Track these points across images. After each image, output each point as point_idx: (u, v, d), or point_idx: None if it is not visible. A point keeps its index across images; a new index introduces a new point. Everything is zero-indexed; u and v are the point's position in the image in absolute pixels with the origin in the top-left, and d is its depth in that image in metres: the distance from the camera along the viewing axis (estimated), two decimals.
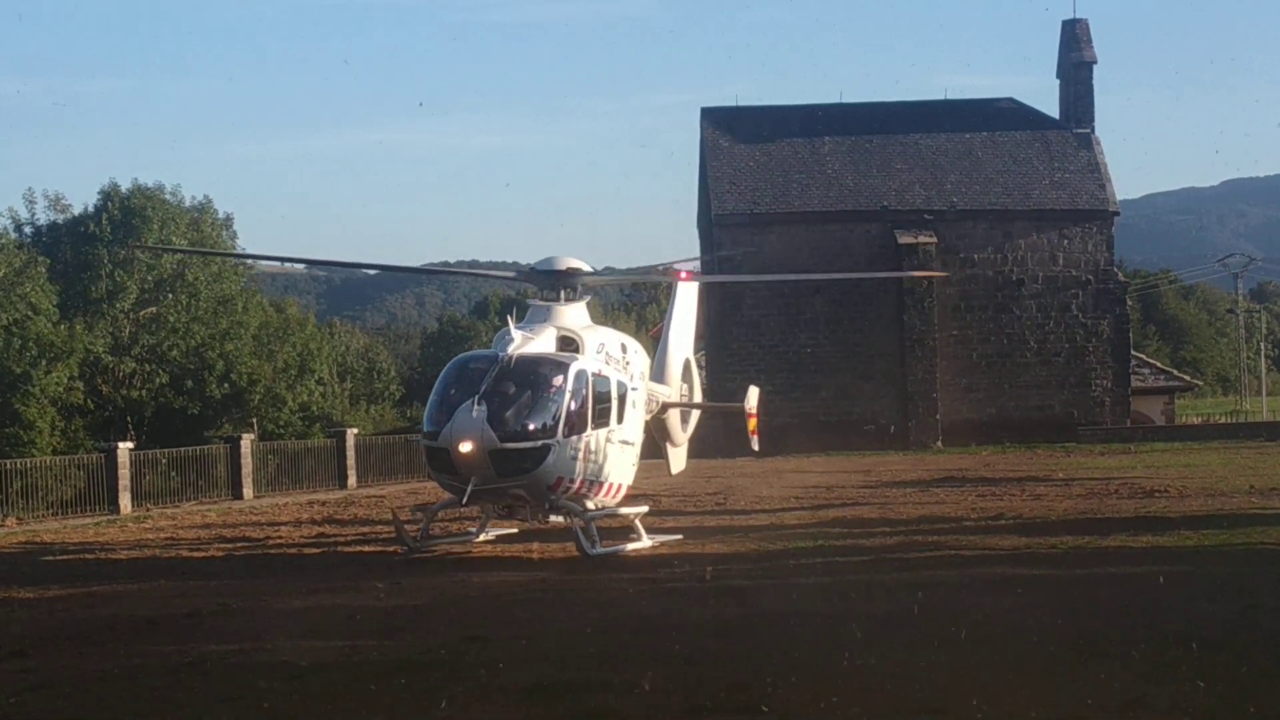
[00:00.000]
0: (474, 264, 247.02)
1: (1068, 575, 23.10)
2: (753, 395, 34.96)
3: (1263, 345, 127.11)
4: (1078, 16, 77.93)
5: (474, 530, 30.60)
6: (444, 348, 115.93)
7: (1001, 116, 78.01)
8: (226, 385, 77.71)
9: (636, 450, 29.78)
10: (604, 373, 28.03)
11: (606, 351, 28.64)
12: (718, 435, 72.46)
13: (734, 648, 17.10)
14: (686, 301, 34.07)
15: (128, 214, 78.43)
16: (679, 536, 29.95)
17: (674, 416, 32.78)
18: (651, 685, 14.97)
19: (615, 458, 28.40)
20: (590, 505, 27.78)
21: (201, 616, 21.25)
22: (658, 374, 32.13)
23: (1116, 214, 74.80)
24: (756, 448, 36.10)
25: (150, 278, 78.41)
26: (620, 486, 29.06)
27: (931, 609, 19.47)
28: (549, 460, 26.31)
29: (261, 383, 79.04)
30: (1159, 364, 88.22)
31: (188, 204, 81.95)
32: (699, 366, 76.22)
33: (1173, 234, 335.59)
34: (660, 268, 35.41)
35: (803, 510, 36.20)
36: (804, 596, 21.40)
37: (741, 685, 14.82)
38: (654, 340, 37.48)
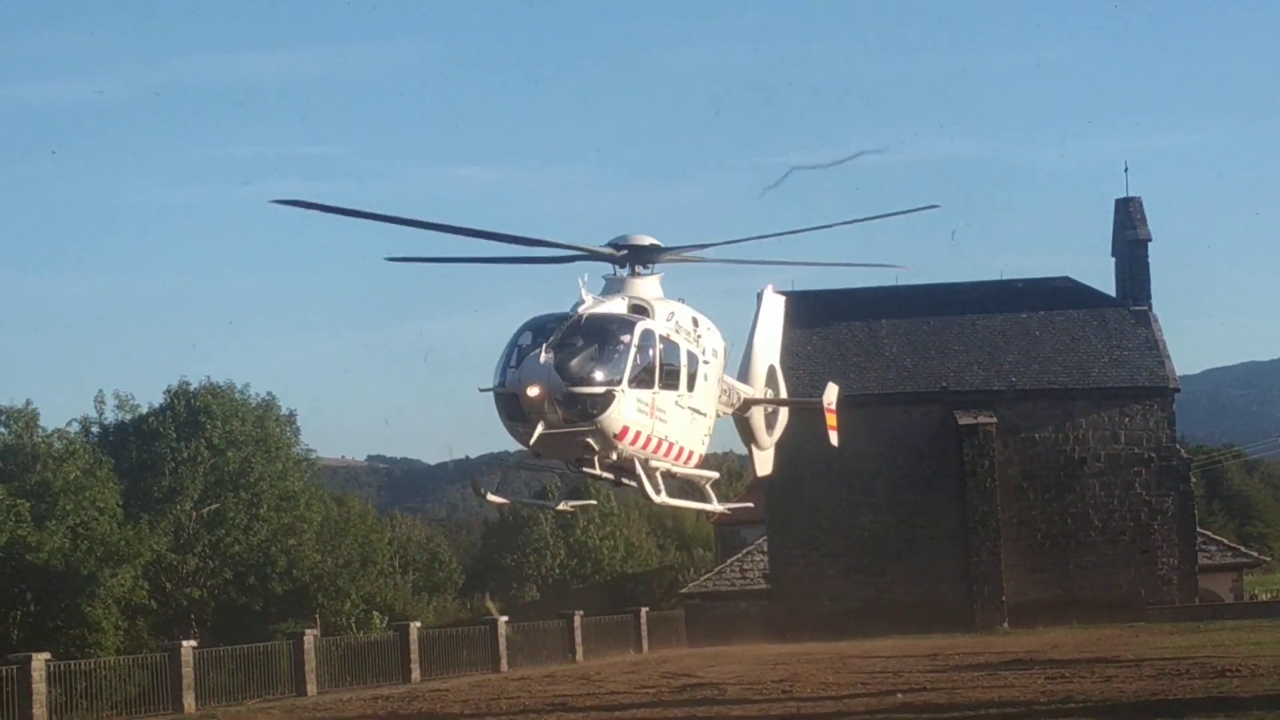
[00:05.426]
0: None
1: None
2: (831, 392, 35.88)
3: None
4: (1130, 195, 78.20)
5: (550, 501, 31.40)
6: (505, 536, 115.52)
7: (1058, 295, 78.16)
8: (289, 581, 77.89)
9: (708, 423, 30.20)
10: (673, 339, 28.60)
11: (677, 321, 29.21)
12: (777, 615, 72.09)
13: None
14: (772, 311, 35.14)
15: (193, 412, 79.38)
16: (750, 505, 34.17)
17: (758, 416, 33.46)
18: None
19: (684, 423, 28.90)
20: (659, 464, 28.28)
21: None
22: (742, 373, 33.09)
23: (1177, 390, 74.60)
24: (835, 442, 36.52)
25: (212, 476, 79.02)
26: (691, 453, 29.52)
27: None
28: (614, 407, 26.70)
29: (324, 578, 79.18)
30: (1225, 540, 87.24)
31: (254, 402, 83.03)
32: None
33: (1234, 408, 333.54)
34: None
35: (869, 696, 35.83)
36: None
37: None
38: None
